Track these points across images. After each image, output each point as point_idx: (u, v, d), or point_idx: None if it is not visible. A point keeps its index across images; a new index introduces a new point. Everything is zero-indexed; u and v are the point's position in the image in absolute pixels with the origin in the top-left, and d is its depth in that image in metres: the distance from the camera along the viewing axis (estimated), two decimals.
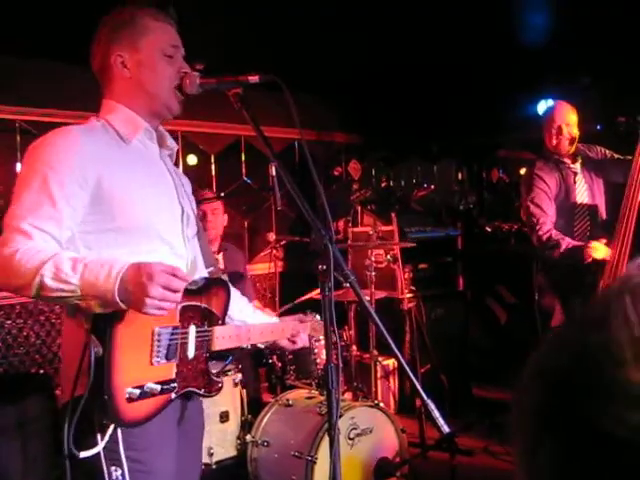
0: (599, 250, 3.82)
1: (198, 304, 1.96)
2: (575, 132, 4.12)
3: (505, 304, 6.26)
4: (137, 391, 1.75)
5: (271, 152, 1.90)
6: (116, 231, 1.83)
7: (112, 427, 1.75)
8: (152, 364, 1.80)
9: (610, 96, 4.37)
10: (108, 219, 1.82)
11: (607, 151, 4.25)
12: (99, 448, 1.74)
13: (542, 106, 5.74)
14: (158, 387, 1.81)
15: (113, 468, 1.78)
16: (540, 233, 4.03)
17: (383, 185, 7.05)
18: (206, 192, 4.40)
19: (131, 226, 1.85)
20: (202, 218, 3.84)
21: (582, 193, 4.16)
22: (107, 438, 1.74)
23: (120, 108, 1.95)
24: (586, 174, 4.20)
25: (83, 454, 1.71)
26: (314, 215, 1.81)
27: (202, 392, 2.02)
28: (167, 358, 1.84)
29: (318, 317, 2.60)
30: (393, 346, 1.78)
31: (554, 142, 4.16)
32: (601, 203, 4.19)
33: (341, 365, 1.74)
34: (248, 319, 2.31)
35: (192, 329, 1.92)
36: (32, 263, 1.65)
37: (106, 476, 1.77)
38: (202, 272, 2.12)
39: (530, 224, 4.18)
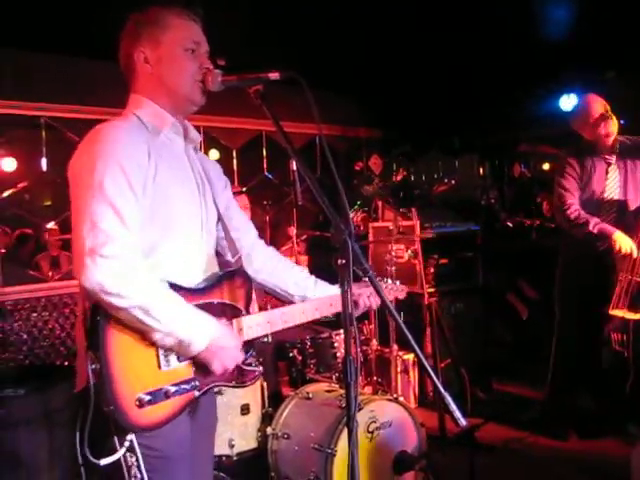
0: (622, 241, 3.91)
1: (210, 301, 1.98)
2: (614, 124, 4.16)
3: (526, 299, 6.24)
4: (147, 397, 1.78)
5: (291, 148, 1.91)
6: (142, 223, 1.85)
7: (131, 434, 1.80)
8: (160, 369, 1.83)
9: (634, 90, 4.33)
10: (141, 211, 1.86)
11: None
12: (119, 454, 1.78)
13: (564, 101, 5.72)
14: (173, 389, 1.84)
15: (128, 454, 1.81)
16: (568, 212, 4.14)
17: (404, 179, 7.04)
18: (232, 186, 4.43)
19: (157, 219, 1.89)
20: None
21: (613, 186, 4.23)
22: (127, 444, 1.79)
23: (147, 102, 1.98)
24: (621, 165, 4.24)
25: (104, 461, 1.77)
26: (334, 210, 1.82)
27: (233, 384, 2.04)
28: (179, 359, 1.87)
29: (389, 281, 2.59)
30: (412, 341, 1.79)
31: (594, 133, 4.22)
32: (633, 196, 4.22)
33: (361, 359, 1.75)
34: (308, 292, 2.29)
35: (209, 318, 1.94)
36: (146, 282, 1.76)
37: (122, 463, 1.81)
38: (214, 267, 2.14)
39: (557, 204, 4.30)
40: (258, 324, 2.08)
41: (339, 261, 1.75)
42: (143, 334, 1.78)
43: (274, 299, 2.51)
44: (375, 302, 2.33)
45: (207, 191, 2.13)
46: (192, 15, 2.02)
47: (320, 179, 1.85)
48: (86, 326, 1.78)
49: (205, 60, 2.00)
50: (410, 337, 1.82)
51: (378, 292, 1.83)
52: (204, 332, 1.83)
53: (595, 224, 4.06)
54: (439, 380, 1.83)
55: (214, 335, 1.85)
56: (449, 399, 1.74)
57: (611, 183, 4.24)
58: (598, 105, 4.20)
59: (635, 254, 3.91)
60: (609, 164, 4.25)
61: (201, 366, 1.89)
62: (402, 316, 4.99)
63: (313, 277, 2.36)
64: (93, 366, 1.73)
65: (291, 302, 2.30)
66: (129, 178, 1.78)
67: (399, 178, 6.75)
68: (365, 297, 2.31)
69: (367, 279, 1.82)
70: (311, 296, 2.29)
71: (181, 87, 1.97)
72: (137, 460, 1.82)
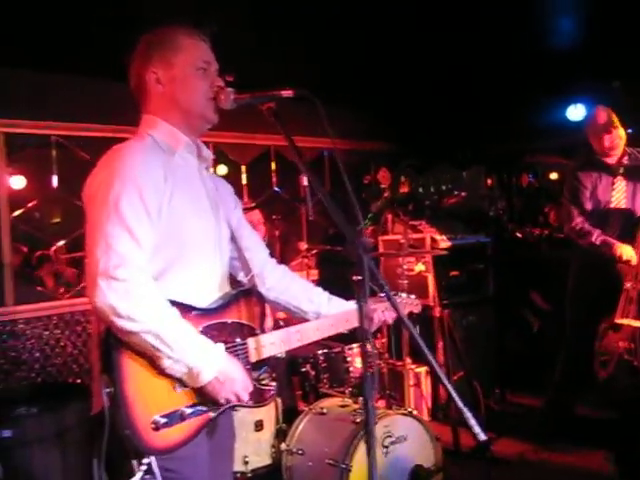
0: (626, 251, 4.00)
1: (223, 321, 1.98)
2: (618, 136, 4.22)
3: (538, 310, 6.21)
4: (163, 419, 1.77)
5: (303, 164, 1.92)
6: (158, 245, 1.86)
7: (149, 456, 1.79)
8: (175, 390, 1.83)
9: None
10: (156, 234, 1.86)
11: None
12: (137, 478, 1.78)
13: (571, 111, 5.72)
14: (189, 410, 1.83)
15: (147, 477, 1.80)
16: (573, 224, 4.25)
17: (411, 192, 7.04)
18: (245, 202, 4.47)
19: (172, 241, 1.90)
20: None
21: (620, 196, 4.29)
22: (144, 467, 1.78)
23: (161, 123, 1.99)
24: (629, 176, 4.29)
25: None
26: (347, 225, 1.82)
27: (251, 404, 2.02)
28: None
29: (404, 295, 2.58)
30: (429, 355, 1.78)
31: (601, 145, 4.29)
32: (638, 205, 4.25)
33: (378, 374, 1.75)
34: (322, 309, 2.29)
35: (219, 347, 1.93)
36: (158, 306, 1.75)
37: None
38: (227, 287, 2.14)
39: (565, 216, 4.41)
40: (272, 343, 2.08)
41: (355, 277, 1.75)
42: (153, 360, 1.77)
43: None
44: (390, 317, 2.33)
45: (220, 211, 2.13)
46: (202, 35, 2.04)
47: (331, 193, 1.85)
48: (101, 349, 1.78)
49: (216, 78, 2.02)
50: (427, 351, 1.81)
51: (395, 307, 1.83)
52: (213, 361, 1.83)
53: (598, 235, 4.16)
54: (455, 393, 1.81)
55: (222, 365, 1.84)
56: (468, 413, 1.73)
57: (617, 194, 4.30)
58: (603, 116, 4.27)
59: (635, 262, 3.98)
60: (616, 175, 4.28)
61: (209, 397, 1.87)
62: (417, 329, 4.99)
63: (326, 293, 2.36)
64: (107, 390, 1.74)
65: (305, 319, 2.30)
66: (145, 200, 1.79)
67: (406, 190, 6.75)
68: (380, 312, 2.30)
69: (383, 294, 1.82)
70: (325, 312, 2.29)
71: (194, 106, 1.99)
72: None
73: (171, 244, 1.89)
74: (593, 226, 4.23)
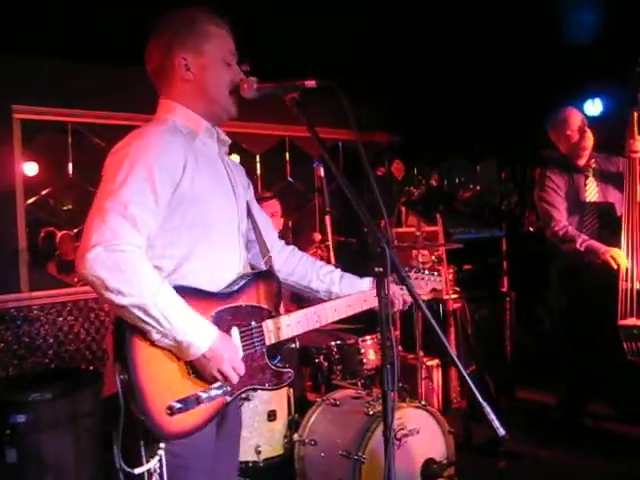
0: (617, 255, 3.99)
1: (238, 304, 1.98)
2: (589, 137, 4.28)
3: (549, 306, 6.18)
4: (178, 405, 1.78)
5: (327, 155, 1.91)
6: (180, 230, 1.87)
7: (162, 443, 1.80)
8: (190, 375, 1.83)
9: None
10: (177, 218, 1.87)
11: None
12: (152, 464, 1.79)
13: (589, 106, 5.67)
14: (204, 395, 1.84)
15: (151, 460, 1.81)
16: (556, 229, 4.24)
17: (427, 185, 7.02)
18: (263, 192, 4.48)
19: (195, 226, 1.90)
20: None
21: (592, 193, 4.33)
22: (159, 454, 1.79)
23: (180, 108, 1.99)
24: (597, 178, 4.35)
25: (138, 471, 1.77)
26: (369, 216, 1.81)
27: (267, 386, 2.04)
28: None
29: (427, 272, 2.53)
30: (449, 348, 1.78)
31: (567, 146, 4.37)
32: (615, 199, 4.30)
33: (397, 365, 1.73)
34: (334, 287, 2.28)
35: (234, 331, 1.94)
36: (149, 281, 1.72)
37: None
38: (248, 270, 2.14)
39: (544, 220, 4.39)
40: (288, 325, 2.07)
41: (376, 269, 1.75)
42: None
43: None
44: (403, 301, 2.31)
45: (241, 194, 2.14)
46: (225, 24, 2.04)
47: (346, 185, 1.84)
48: (113, 334, 1.79)
49: (238, 72, 2.02)
50: (447, 343, 1.81)
51: (414, 299, 1.82)
52: (203, 337, 1.80)
53: (582, 241, 4.14)
54: (475, 387, 1.81)
55: (212, 345, 1.81)
56: (487, 408, 1.73)
57: (590, 190, 4.34)
58: (577, 118, 4.34)
59: (626, 264, 3.97)
60: (587, 176, 4.35)
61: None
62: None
63: (338, 271, 2.35)
64: (121, 376, 1.74)
65: (318, 299, 2.30)
66: (154, 181, 1.78)
67: (434, 183, 6.73)
68: (399, 296, 2.28)
69: (404, 287, 1.81)
70: (337, 291, 2.28)
71: (218, 97, 2.00)
72: (160, 467, 1.82)
73: (196, 226, 1.90)
74: (571, 224, 4.26)
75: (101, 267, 1.66)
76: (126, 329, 1.75)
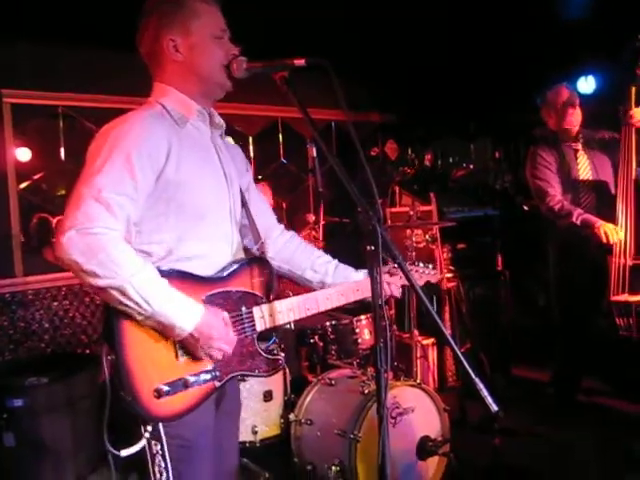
0: (607, 230, 4.00)
1: (228, 289, 1.97)
2: (578, 114, 4.31)
3: (544, 284, 6.20)
4: (165, 387, 1.78)
5: (318, 135, 1.90)
6: (167, 215, 1.87)
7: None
8: (178, 359, 1.83)
9: None
10: (162, 204, 1.86)
11: (614, 134, 4.36)
12: (139, 446, 1.80)
13: (582, 83, 5.65)
14: (192, 379, 1.84)
15: (153, 443, 1.83)
16: (552, 204, 4.25)
17: (421, 165, 7.02)
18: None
19: (184, 211, 1.89)
20: None
21: (585, 169, 4.34)
22: (148, 435, 1.80)
23: (172, 91, 1.97)
24: (589, 152, 4.36)
25: (124, 452, 1.78)
26: (360, 195, 1.80)
27: (256, 373, 2.03)
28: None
29: (422, 264, 2.52)
30: (443, 328, 1.79)
31: (557, 122, 4.38)
32: (607, 179, 4.31)
33: (390, 345, 1.74)
34: (327, 278, 2.28)
35: (224, 316, 1.93)
36: (125, 263, 1.71)
37: (147, 451, 1.83)
38: (241, 255, 2.14)
39: (539, 196, 4.38)
40: (280, 312, 2.06)
41: (368, 247, 1.75)
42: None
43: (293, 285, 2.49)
44: (396, 290, 2.31)
45: (234, 178, 2.12)
46: (216, 1, 2.01)
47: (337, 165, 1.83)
48: (102, 316, 1.80)
49: (231, 46, 2.00)
50: (441, 324, 1.82)
51: (407, 278, 1.82)
52: (186, 317, 1.79)
53: (578, 215, 4.14)
54: (468, 365, 1.82)
55: (199, 324, 1.81)
56: (481, 385, 1.74)
57: (582, 166, 4.35)
58: (565, 94, 4.34)
59: (622, 238, 3.99)
60: (576, 150, 4.36)
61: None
62: (434, 303, 5.03)
63: (335, 262, 2.34)
64: (109, 357, 1.74)
65: (311, 288, 2.29)
66: (133, 168, 1.76)
67: (428, 163, 6.72)
68: (386, 285, 2.27)
69: (397, 265, 1.81)
70: (329, 282, 2.28)
71: (213, 74, 1.97)
72: (162, 448, 1.83)
73: (185, 212, 1.89)
74: (566, 200, 4.26)
75: (75, 250, 1.66)
76: (114, 309, 1.75)
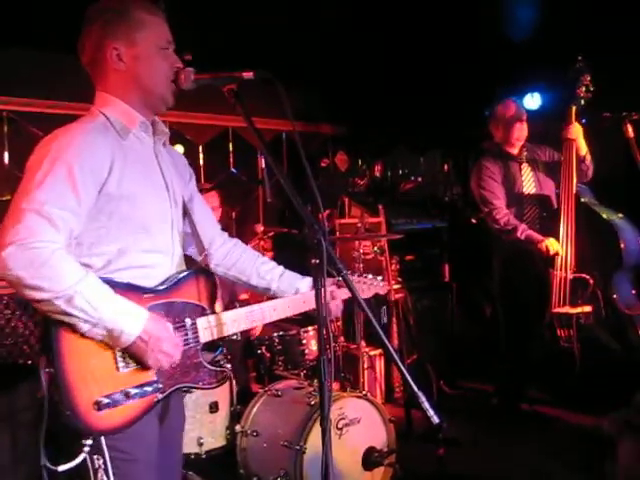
0: (552, 245, 4.13)
1: (171, 301, 1.95)
2: (523, 129, 4.47)
3: (490, 296, 6.30)
4: (106, 400, 1.74)
5: (265, 147, 1.91)
6: (108, 228, 1.84)
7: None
8: (119, 371, 1.80)
9: (596, 90, 4.42)
10: (104, 217, 1.83)
11: (555, 153, 4.54)
12: (78, 460, 1.75)
13: (528, 99, 5.78)
14: (133, 391, 1.80)
15: (95, 457, 1.78)
16: (498, 217, 4.34)
17: (370, 177, 7.07)
18: (203, 183, 4.44)
19: (125, 224, 1.87)
20: None
21: (529, 182, 4.47)
22: (87, 448, 1.75)
23: (115, 101, 1.94)
24: (533, 166, 4.50)
25: (62, 467, 1.74)
26: (305, 208, 1.81)
27: (200, 385, 2.01)
28: (138, 362, 1.83)
29: (370, 276, 2.51)
30: (385, 339, 1.81)
31: (503, 135, 4.51)
32: (550, 193, 4.46)
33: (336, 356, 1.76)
34: (273, 284, 2.27)
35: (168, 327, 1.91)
36: (69, 273, 1.68)
37: (89, 466, 1.78)
38: (183, 266, 2.12)
39: (485, 209, 4.48)
40: (223, 323, 2.04)
41: (313, 261, 1.76)
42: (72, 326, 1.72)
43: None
44: (335, 305, 2.29)
45: (176, 189, 2.09)
46: (160, 11, 1.99)
47: (289, 176, 1.84)
48: (41, 327, 1.75)
49: (176, 59, 1.98)
50: (383, 335, 1.84)
51: (352, 293, 1.84)
52: (134, 322, 1.77)
53: (523, 230, 4.27)
54: (412, 377, 1.84)
55: (146, 326, 1.79)
56: (422, 397, 1.76)
57: (526, 180, 4.48)
58: (512, 109, 4.49)
59: (562, 254, 4.11)
60: (520, 163, 4.49)
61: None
62: (385, 312, 5.07)
63: (280, 268, 2.34)
64: (47, 370, 1.70)
65: (260, 294, 2.30)
66: (75, 181, 1.73)
67: (378, 174, 6.78)
68: (331, 304, 2.23)
69: (341, 279, 1.83)
70: (275, 288, 2.27)
71: (156, 87, 1.95)
72: (104, 463, 1.79)
73: (126, 225, 1.86)
74: (511, 213, 4.37)
75: (16, 265, 1.63)
76: (52, 321, 1.71)
